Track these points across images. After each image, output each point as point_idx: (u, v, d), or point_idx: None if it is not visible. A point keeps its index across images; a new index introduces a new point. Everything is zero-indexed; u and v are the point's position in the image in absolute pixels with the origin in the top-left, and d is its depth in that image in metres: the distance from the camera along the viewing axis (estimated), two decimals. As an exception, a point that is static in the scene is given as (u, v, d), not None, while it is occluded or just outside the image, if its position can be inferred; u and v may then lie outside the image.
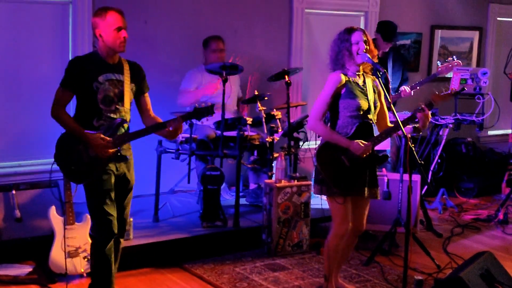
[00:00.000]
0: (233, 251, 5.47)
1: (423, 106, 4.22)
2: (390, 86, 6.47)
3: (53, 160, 4.10)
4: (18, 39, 5.74)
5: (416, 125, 4.26)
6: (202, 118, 4.15)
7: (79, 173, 4.02)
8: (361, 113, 4.25)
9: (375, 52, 4.33)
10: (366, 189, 4.33)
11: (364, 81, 4.33)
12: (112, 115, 4.04)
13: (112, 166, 4.05)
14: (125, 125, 4.11)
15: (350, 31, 4.29)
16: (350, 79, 4.28)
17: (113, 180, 4.06)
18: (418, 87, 6.36)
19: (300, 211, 5.52)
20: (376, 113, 4.37)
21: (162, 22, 6.34)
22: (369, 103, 4.28)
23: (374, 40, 6.59)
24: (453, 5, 8.23)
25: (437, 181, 7.02)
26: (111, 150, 3.97)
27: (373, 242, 5.70)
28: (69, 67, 4.05)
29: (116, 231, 4.10)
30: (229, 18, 6.72)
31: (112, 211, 4.06)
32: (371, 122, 4.30)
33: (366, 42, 4.26)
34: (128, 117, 4.13)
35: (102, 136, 3.96)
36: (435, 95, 4.29)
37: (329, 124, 4.35)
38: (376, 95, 4.37)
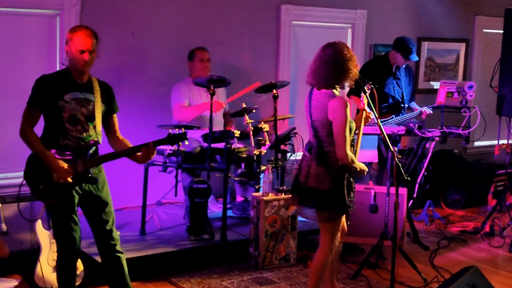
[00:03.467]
0: (220, 264, 5.46)
1: None
2: (405, 105, 6.58)
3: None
4: (4, 51, 5.72)
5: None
6: (175, 144, 4.17)
7: (47, 192, 4.02)
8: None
9: None
10: None
11: None
12: (78, 135, 4.04)
13: (77, 187, 4.07)
14: (94, 148, 4.11)
15: (350, 50, 4.20)
16: None
17: (76, 200, 4.09)
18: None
19: (287, 224, 5.52)
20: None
21: (149, 34, 6.34)
22: None
23: (387, 54, 6.67)
24: (439, 17, 8.27)
25: (423, 193, 7.05)
26: (69, 178, 3.98)
27: (360, 255, 5.71)
28: (35, 85, 4.05)
29: (77, 248, 4.18)
30: (216, 30, 6.72)
31: (77, 232, 4.13)
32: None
33: None
34: (99, 138, 4.14)
35: (63, 163, 3.96)
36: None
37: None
38: None
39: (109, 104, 4.20)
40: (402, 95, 6.63)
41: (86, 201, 4.16)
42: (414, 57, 6.55)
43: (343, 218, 4.35)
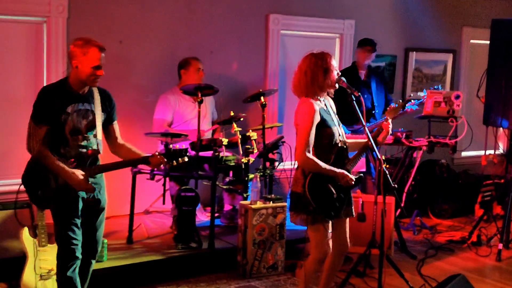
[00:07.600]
0: (208, 273, 5.44)
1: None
2: (376, 111, 6.56)
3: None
4: (-9, 58, 5.71)
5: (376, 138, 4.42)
6: (174, 160, 4.21)
7: (45, 199, 4.03)
8: (335, 138, 4.27)
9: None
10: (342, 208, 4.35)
11: (325, 105, 4.34)
12: (79, 143, 4.03)
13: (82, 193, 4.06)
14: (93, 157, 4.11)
15: (328, 56, 4.29)
16: (320, 106, 4.29)
17: (80, 205, 4.06)
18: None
19: (275, 232, 5.51)
20: None
21: (137, 42, 6.34)
22: (336, 125, 4.32)
23: (354, 63, 6.69)
24: (427, 28, 8.33)
25: (411, 203, 7.05)
26: (89, 187, 4.00)
27: (348, 264, 5.70)
28: (39, 101, 3.99)
29: (80, 255, 4.07)
30: (204, 39, 6.73)
31: (78, 236, 4.05)
32: (345, 146, 4.32)
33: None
34: (100, 147, 4.12)
35: (81, 172, 3.97)
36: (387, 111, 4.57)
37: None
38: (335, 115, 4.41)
39: (109, 113, 4.18)
40: (372, 102, 6.63)
41: (87, 205, 4.12)
42: (369, 43, 6.59)
43: (327, 227, 4.30)
